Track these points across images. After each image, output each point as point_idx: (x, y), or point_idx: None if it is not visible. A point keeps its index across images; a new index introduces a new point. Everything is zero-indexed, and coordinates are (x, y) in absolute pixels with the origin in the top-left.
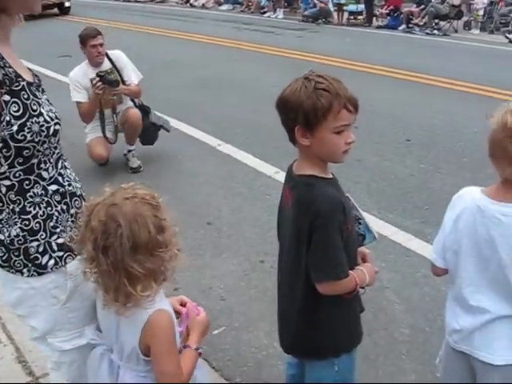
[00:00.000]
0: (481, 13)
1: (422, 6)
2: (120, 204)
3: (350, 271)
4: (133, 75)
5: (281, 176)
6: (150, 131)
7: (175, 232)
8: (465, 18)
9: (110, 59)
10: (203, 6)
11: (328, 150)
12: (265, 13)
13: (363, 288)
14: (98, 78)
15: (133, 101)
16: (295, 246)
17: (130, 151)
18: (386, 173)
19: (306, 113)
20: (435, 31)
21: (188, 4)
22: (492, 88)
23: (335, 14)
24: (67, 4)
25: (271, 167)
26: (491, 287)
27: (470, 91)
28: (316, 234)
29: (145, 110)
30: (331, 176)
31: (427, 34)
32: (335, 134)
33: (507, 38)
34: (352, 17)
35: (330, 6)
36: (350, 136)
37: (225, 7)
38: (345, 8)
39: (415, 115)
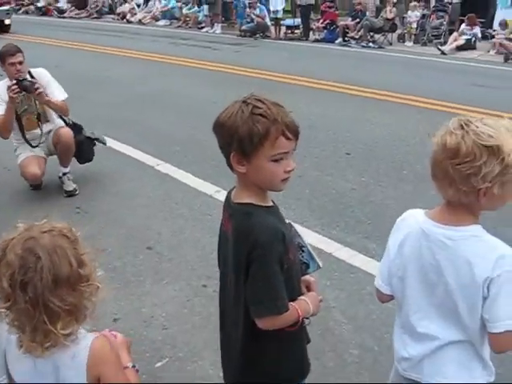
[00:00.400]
0: (414, 25)
1: (357, 20)
2: (38, 237)
3: (292, 303)
4: (56, 92)
5: (221, 195)
6: (85, 146)
7: (95, 267)
8: (399, 31)
9: (32, 77)
10: (140, 22)
11: (265, 178)
12: (202, 28)
13: (308, 318)
14: (14, 82)
15: (63, 120)
16: (235, 277)
17: (64, 174)
18: (327, 188)
19: (241, 139)
20: (371, 44)
21: (124, 20)
22: (427, 99)
23: (272, 29)
24: (7, 22)
25: (211, 186)
26: (439, 313)
27: (407, 103)
28: (254, 266)
29: (77, 128)
30: (271, 203)
31: (363, 46)
32: (273, 162)
33: (439, 49)
34: (289, 31)
35: (267, 20)
36: (290, 164)
37: (162, 23)
38: (282, 22)
39: (354, 128)
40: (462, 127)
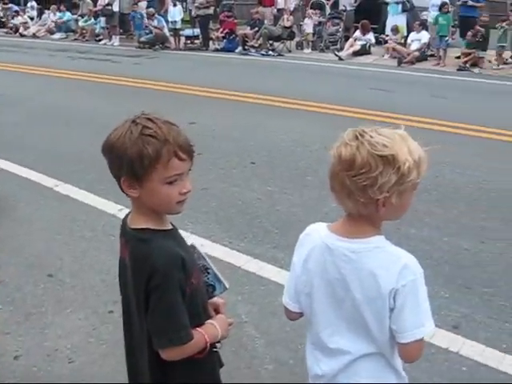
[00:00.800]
0: (308, 30)
1: (256, 29)
2: None
3: (199, 328)
4: None
5: (125, 213)
6: None
7: None
8: (297, 39)
9: None
10: (34, 36)
11: (160, 201)
12: (100, 40)
13: (219, 342)
14: None
15: None
16: (137, 304)
17: None
18: (233, 199)
19: (131, 162)
20: (270, 52)
21: (17, 34)
22: (327, 104)
23: (172, 39)
24: None
25: (114, 205)
26: (349, 327)
27: (307, 109)
28: (154, 296)
29: None
30: (170, 226)
31: (263, 55)
32: (167, 185)
33: (336, 55)
34: (189, 41)
35: (166, 31)
36: (186, 186)
37: (57, 36)
38: (181, 33)
39: (257, 137)
40: (357, 138)
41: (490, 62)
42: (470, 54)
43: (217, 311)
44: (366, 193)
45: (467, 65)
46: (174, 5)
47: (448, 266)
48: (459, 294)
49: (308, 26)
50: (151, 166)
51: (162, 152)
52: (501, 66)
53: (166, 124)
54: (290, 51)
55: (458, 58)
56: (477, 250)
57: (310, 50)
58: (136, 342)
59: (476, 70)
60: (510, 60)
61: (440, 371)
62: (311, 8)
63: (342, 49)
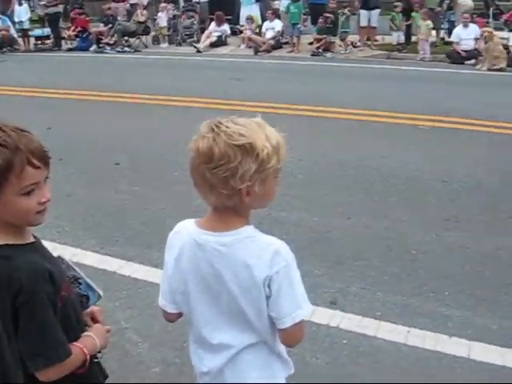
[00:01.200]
0: (163, 24)
1: (110, 25)
2: None
3: (76, 343)
4: None
5: None
6: None
7: None
8: (152, 33)
9: None
10: None
11: (17, 214)
12: None
13: (99, 352)
14: None
15: None
16: (4, 329)
17: None
18: (100, 203)
19: None
20: (126, 48)
21: None
22: (189, 97)
23: (21, 40)
24: None
25: None
26: (228, 321)
27: (169, 103)
28: (23, 315)
29: None
30: (32, 239)
31: (119, 51)
32: (23, 196)
33: (195, 47)
34: (39, 41)
35: (13, 32)
36: (44, 195)
37: None
38: (30, 33)
39: (120, 136)
40: (213, 130)
41: (340, 46)
42: (321, 39)
43: (94, 320)
44: (228, 184)
45: (320, 50)
46: (20, 4)
47: (320, 244)
48: (333, 271)
49: (162, 19)
50: (3, 177)
51: (14, 161)
52: (349, 50)
53: (15, 131)
54: (146, 46)
55: (311, 43)
56: (345, 226)
57: (166, 44)
58: (8, 368)
59: (328, 55)
60: (358, 44)
61: (323, 347)
62: (165, 1)
63: (198, 41)
